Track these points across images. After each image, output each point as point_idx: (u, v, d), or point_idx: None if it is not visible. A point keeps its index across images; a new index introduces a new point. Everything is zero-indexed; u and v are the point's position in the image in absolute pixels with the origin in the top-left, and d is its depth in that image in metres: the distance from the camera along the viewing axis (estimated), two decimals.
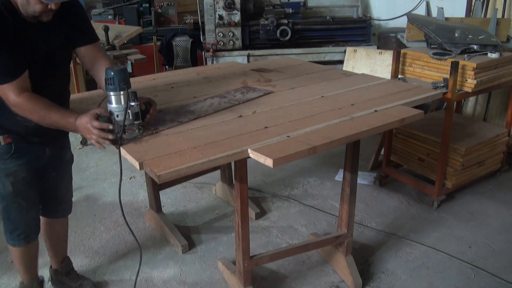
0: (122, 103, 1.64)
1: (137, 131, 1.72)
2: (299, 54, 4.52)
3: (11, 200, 1.85)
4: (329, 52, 4.60)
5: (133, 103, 1.65)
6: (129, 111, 1.65)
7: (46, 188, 2.01)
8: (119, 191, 1.65)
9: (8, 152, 1.78)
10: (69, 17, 1.75)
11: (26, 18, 1.60)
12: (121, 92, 1.64)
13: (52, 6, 1.57)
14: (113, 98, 1.65)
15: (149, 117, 1.76)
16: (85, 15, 1.86)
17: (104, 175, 3.57)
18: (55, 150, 1.95)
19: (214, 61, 4.55)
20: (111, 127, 1.63)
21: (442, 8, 3.39)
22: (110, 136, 1.63)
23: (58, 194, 2.10)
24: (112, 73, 1.62)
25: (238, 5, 4.50)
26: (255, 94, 2.25)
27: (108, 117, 1.64)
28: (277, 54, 4.53)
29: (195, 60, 5.26)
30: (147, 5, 5.88)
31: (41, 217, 2.06)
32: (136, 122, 1.70)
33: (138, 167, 1.53)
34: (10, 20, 1.56)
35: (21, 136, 1.78)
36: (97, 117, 1.62)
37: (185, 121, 1.89)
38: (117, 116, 1.65)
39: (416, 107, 2.08)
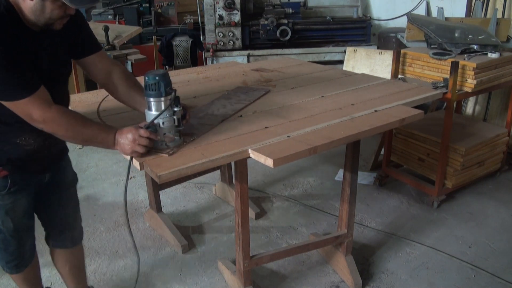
0: (161, 108, 1.53)
1: (178, 138, 1.62)
2: (299, 54, 4.53)
3: (11, 235, 1.69)
4: (329, 52, 4.61)
5: (176, 108, 1.55)
6: (174, 117, 1.56)
7: (50, 215, 1.82)
8: (124, 199, 1.62)
9: (4, 187, 1.57)
10: (71, 26, 1.56)
11: (31, 26, 1.43)
12: (166, 98, 1.54)
13: (72, 11, 1.42)
14: (156, 105, 1.54)
15: (185, 123, 1.64)
16: (86, 23, 1.70)
17: (104, 175, 3.57)
18: (55, 172, 1.76)
19: (214, 61, 4.56)
20: (158, 137, 1.54)
21: (442, 8, 3.39)
22: (154, 145, 1.53)
23: (65, 220, 1.87)
24: (157, 78, 1.52)
25: (238, 5, 4.50)
26: (257, 93, 2.25)
27: (154, 126, 1.53)
28: (277, 54, 4.53)
29: (195, 60, 5.27)
30: (147, 5, 5.88)
31: (51, 249, 1.92)
32: (178, 129, 1.60)
33: (138, 167, 1.53)
34: (15, 29, 1.39)
35: (18, 166, 1.57)
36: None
37: (215, 124, 1.84)
38: (163, 123, 1.55)
39: (416, 107, 2.08)
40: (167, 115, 1.55)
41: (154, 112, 1.56)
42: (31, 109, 1.40)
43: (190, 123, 1.75)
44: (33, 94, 1.40)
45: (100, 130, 1.52)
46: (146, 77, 1.54)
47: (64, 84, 1.67)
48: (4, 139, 1.51)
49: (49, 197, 1.77)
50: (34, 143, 1.55)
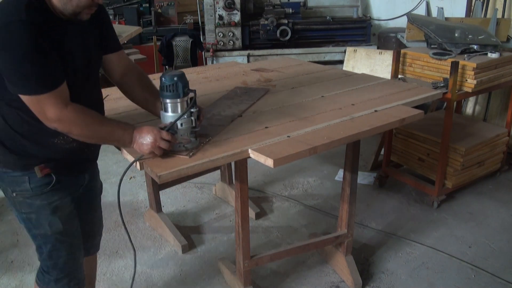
0: (179, 111, 1.51)
1: (194, 139, 1.59)
2: (299, 54, 4.52)
3: (61, 240, 1.55)
4: (329, 52, 4.61)
5: (193, 109, 1.53)
6: (192, 118, 1.53)
7: (80, 221, 1.70)
8: (118, 198, 1.61)
9: (48, 184, 1.48)
10: (97, 21, 1.52)
11: (58, 14, 1.34)
12: (183, 99, 1.52)
13: (100, 0, 1.37)
14: (173, 106, 1.52)
15: (199, 124, 1.61)
16: (110, 20, 1.65)
17: (104, 175, 3.57)
18: (91, 176, 1.70)
19: (214, 61, 4.56)
20: (180, 140, 1.52)
21: (442, 8, 3.39)
22: (174, 148, 1.51)
23: (91, 227, 1.81)
24: (175, 79, 1.49)
25: (238, 5, 4.50)
26: (257, 93, 2.25)
27: (174, 128, 1.51)
28: (277, 54, 4.53)
29: (195, 60, 5.27)
30: (147, 5, 5.88)
31: None
32: (195, 130, 1.58)
33: (138, 167, 1.53)
34: (42, 16, 1.29)
35: (60, 165, 1.50)
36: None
37: (226, 125, 1.83)
38: (181, 125, 1.52)
39: (416, 107, 2.08)
40: (185, 116, 1.53)
41: (170, 114, 1.53)
42: (46, 107, 1.31)
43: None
44: (53, 91, 1.31)
45: (117, 127, 1.47)
46: (163, 78, 1.51)
47: (96, 85, 1.58)
48: (42, 139, 1.43)
49: (83, 201, 1.68)
50: (73, 141, 1.47)
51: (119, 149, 1.66)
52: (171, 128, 1.51)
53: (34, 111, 1.34)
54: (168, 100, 1.52)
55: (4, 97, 1.36)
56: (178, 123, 1.52)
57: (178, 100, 1.52)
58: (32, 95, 1.30)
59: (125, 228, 1.67)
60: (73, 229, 1.61)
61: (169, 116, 1.54)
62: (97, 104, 1.57)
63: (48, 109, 1.32)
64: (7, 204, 1.68)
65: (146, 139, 1.46)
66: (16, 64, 1.26)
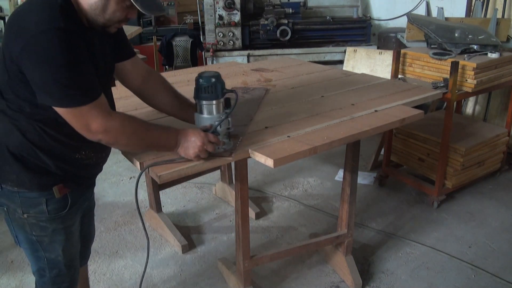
0: (215, 112, 1.50)
1: (228, 140, 1.57)
2: (299, 54, 4.52)
3: (68, 266, 1.51)
4: (329, 52, 4.61)
5: (228, 110, 1.51)
6: (229, 119, 1.52)
7: (81, 233, 1.65)
8: (136, 203, 1.61)
9: (65, 206, 1.41)
10: None
11: (84, 22, 1.28)
12: (220, 100, 1.50)
13: (133, 16, 1.33)
14: (208, 108, 1.50)
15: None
16: (122, 27, 1.54)
17: (104, 175, 3.57)
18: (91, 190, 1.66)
19: (214, 61, 4.55)
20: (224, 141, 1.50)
21: (442, 8, 3.39)
22: (217, 149, 1.49)
23: (87, 238, 1.76)
24: (213, 80, 1.47)
25: (238, 5, 4.50)
26: (258, 92, 2.26)
27: (217, 130, 1.49)
28: (277, 54, 4.53)
29: (195, 60, 5.27)
30: None
31: None
32: (229, 131, 1.56)
33: (138, 167, 1.53)
34: (73, 25, 1.21)
35: (78, 182, 1.44)
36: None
37: (247, 124, 1.83)
38: (220, 126, 1.50)
39: (416, 107, 2.08)
40: (223, 116, 1.51)
41: (208, 116, 1.51)
42: (90, 119, 1.23)
43: None
44: (96, 101, 1.23)
45: (161, 132, 1.42)
46: (201, 80, 1.48)
47: (111, 93, 1.52)
48: (63, 154, 1.35)
49: (85, 214, 1.64)
50: (94, 156, 1.43)
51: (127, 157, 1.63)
52: (215, 130, 1.49)
53: (75, 124, 1.25)
54: (206, 102, 1.49)
55: (24, 109, 1.26)
56: (215, 124, 1.50)
57: (215, 101, 1.50)
58: (74, 107, 1.21)
59: (143, 223, 1.62)
60: (77, 251, 1.57)
61: (207, 118, 1.51)
62: None
63: (93, 121, 1.24)
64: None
65: (194, 143, 1.42)
66: (56, 75, 1.16)
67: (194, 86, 1.52)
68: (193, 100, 1.58)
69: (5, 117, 1.29)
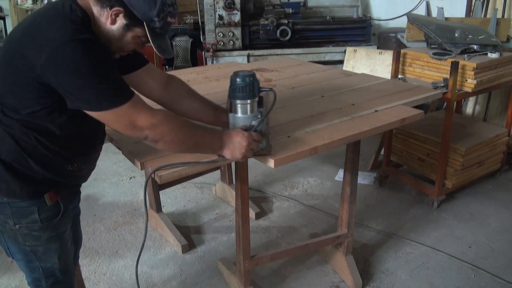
0: (250, 111, 1.50)
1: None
2: (299, 54, 4.52)
3: (65, 272, 1.50)
4: (329, 52, 4.60)
5: (261, 108, 1.52)
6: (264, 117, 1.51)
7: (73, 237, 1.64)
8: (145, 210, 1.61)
9: (57, 214, 1.40)
10: None
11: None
12: (255, 99, 1.50)
13: (141, 50, 1.36)
14: (243, 107, 1.50)
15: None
16: None
17: (104, 175, 3.57)
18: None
19: (214, 61, 4.55)
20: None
21: (442, 8, 3.39)
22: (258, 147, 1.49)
23: (77, 244, 1.74)
24: (251, 79, 1.47)
25: (238, 5, 4.49)
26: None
27: (258, 129, 1.49)
28: (277, 54, 4.53)
29: (195, 60, 5.27)
30: None
31: None
32: (262, 130, 1.55)
33: (139, 167, 1.53)
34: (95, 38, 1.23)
35: (67, 190, 1.43)
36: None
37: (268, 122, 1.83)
38: (258, 124, 1.51)
39: (416, 107, 2.09)
40: (259, 116, 1.51)
41: (242, 115, 1.51)
42: (134, 115, 1.23)
43: None
44: (133, 98, 1.24)
45: (206, 132, 1.40)
46: (238, 79, 1.48)
47: None
48: (55, 165, 1.34)
49: (74, 219, 1.64)
50: (85, 169, 1.44)
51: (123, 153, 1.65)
52: (256, 129, 1.49)
53: (119, 125, 1.25)
54: (242, 101, 1.49)
55: (21, 117, 1.25)
56: (256, 123, 1.49)
57: (250, 101, 1.50)
58: (116, 107, 1.21)
59: (146, 225, 1.61)
60: (72, 256, 1.56)
61: (243, 117, 1.51)
62: None
63: (138, 117, 1.23)
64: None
65: (240, 143, 1.42)
66: (89, 81, 1.17)
67: (229, 86, 1.51)
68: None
69: None
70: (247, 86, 1.47)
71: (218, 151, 1.44)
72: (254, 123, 1.50)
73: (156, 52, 1.29)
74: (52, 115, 1.25)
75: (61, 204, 1.40)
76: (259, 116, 1.50)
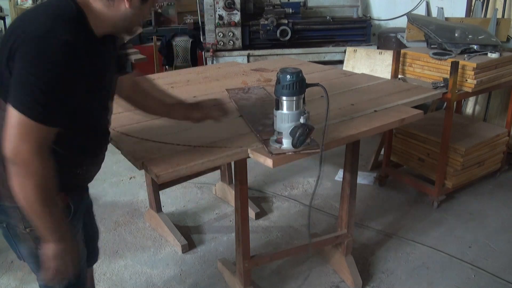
0: (296, 108, 1.52)
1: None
2: (299, 54, 4.52)
3: (78, 275, 1.44)
4: (329, 52, 4.60)
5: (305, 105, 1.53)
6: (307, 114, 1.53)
7: (85, 232, 1.60)
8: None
9: (68, 214, 1.36)
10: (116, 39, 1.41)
11: (96, 33, 1.23)
12: (302, 96, 1.52)
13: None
14: (289, 104, 1.51)
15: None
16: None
17: (104, 175, 3.57)
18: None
19: (214, 61, 4.55)
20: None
21: (442, 8, 3.39)
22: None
23: (94, 237, 1.73)
24: (300, 75, 1.48)
25: (238, 5, 4.49)
26: (261, 92, 2.25)
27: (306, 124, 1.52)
28: (277, 54, 4.53)
29: (195, 60, 5.27)
30: None
31: None
32: None
33: (138, 167, 1.53)
34: (83, 37, 1.17)
35: (76, 192, 1.42)
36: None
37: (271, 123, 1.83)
38: (305, 121, 1.53)
39: (416, 107, 2.09)
40: (304, 111, 1.52)
41: (287, 112, 1.52)
42: (29, 135, 1.11)
43: None
44: (44, 125, 1.12)
45: (55, 217, 1.23)
46: (288, 76, 1.49)
47: (111, 104, 1.46)
48: (65, 168, 1.28)
49: (86, 215, 1.61)
50: (93, 170, 1.43)
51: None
52: (307, 124, 1.51)
53: (13, 130, 1.11)
54: (289, 98, 1.50)
55: None
56: (302, 120, 1.51)
57: (296, 97, 1.51)
58: (26, 116, 1.10)
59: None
60: (84, 257, 1.53)
61: (290, 114, 1.51)
62: (110, 118, 1.48)
63: (27, 141, 1.11)
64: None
65: (62, 258, 1.29)
66: (37, 84, 1.09)
67: (277, 83, 1.52)
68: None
69: None
70: (295, 84, 1.48)
71: (48, 240, 1.26)
72: (301, 120, 1.51)
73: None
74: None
75: (71, 205, 1.38)
76: (305, 113, 1.51)
